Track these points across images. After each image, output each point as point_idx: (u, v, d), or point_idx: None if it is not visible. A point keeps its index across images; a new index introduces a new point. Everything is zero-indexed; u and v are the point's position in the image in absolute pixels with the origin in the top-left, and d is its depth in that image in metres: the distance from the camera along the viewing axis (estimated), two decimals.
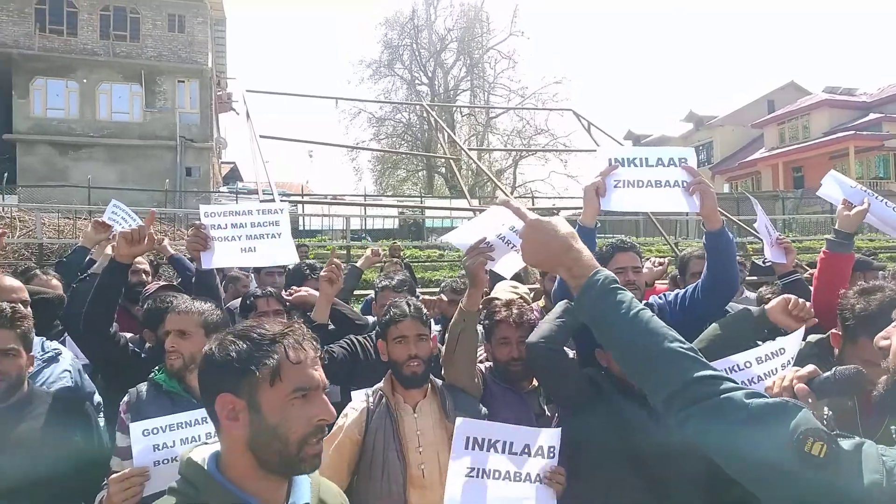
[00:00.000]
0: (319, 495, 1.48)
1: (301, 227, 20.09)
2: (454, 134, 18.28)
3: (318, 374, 1.38)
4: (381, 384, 2.63)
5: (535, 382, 2.89)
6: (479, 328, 2.99)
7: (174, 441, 2.10)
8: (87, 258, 4.07)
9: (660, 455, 2.29)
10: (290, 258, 3.29)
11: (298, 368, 1.34)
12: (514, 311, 2.88)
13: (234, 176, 36.15)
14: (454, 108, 35.00)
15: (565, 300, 2.67)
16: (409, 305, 2.64)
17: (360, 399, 2.60)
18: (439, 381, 2.67)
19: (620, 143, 15.00)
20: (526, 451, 2.29)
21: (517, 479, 2.25)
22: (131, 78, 25.96)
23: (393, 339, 2.58)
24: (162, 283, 4.01)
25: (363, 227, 21.62)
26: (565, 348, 2.68)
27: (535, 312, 3.08)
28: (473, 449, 2.24)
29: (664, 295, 3.16)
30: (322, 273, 3.09)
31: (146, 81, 25.93)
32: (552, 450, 2.30)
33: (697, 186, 2.70)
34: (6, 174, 21.31)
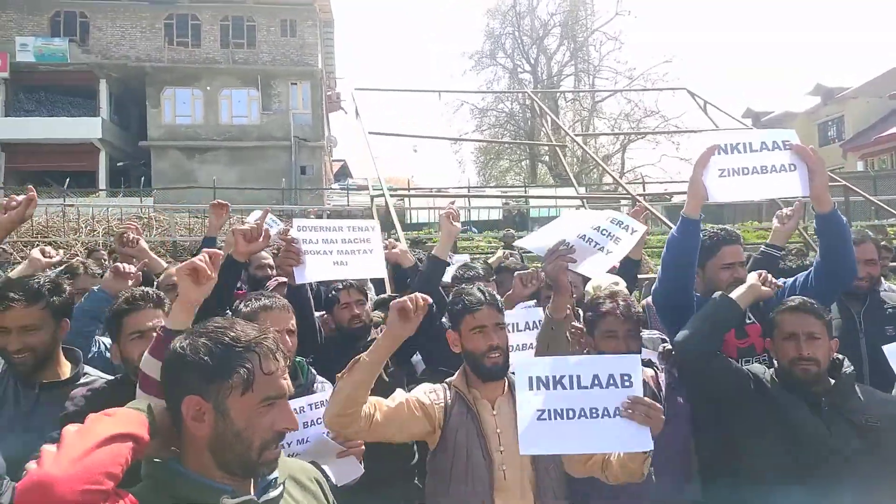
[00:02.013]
0: (288, 472, 1.50)
1: (408, 221, 20.52)
2: (558, 120, 17.95)
3: (287, 382, 1.40)
4: (453, 379, 2.44)
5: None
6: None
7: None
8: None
9: (833, 460, 2.16)
10: (380, 272, 3.43)
11: (270, 379, 1.35)
12: (621, 302, 2.69)
13: (343, 173, 37.50)
14: (558, 95, 34.34)
15: (720, 292, 2.55)
16: (482, 292, 2.44)
17: (429, 389, 2.40)
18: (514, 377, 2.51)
19: (740, 122, 14.09)
20: (597, 382, 2.03)
21: (594, 415, 2.00)
22: (249, 83, 27.54)
23: (469, 330, 2.36)
24: (281, 279, 4.13)
25: (468, 219, 21.73)
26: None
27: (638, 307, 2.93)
28: (538, 389, 2.05)
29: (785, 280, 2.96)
30: (443, 212, 3.19)
31: (262, 85, 27.41)
32: (627, 378, 2.01)
33: (808, 160, 2.51)
34: (143, 178, 23.37)
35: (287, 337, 2.55)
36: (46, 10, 26.85)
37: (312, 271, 3.12)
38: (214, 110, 27.41)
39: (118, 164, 27.18)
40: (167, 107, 27.21)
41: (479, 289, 2.48)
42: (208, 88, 27.26)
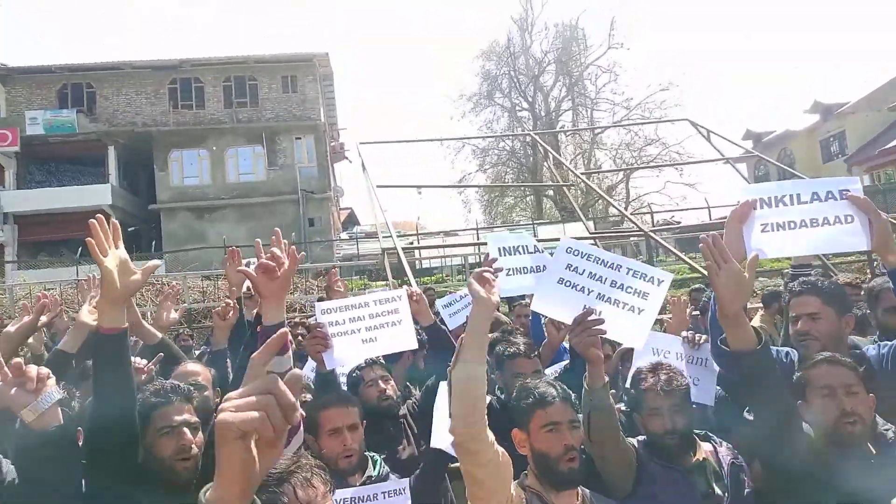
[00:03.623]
0: None
1: (417, 267, 20.48)
2: (560, 156, 17.99)
3: None
4: (524, 480, 2.20)
5: (699, 457, 2.52)
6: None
7: None
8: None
9: None
10: (411, 344, 3.19)
11: None
12: (662, 376, 2.56)
13: (351, 220, 37.69)
14: (559, 132, 34.65)
15: None
16: (553, 386, 2.25)
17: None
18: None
19: (742, 147, 14.09)
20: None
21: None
22: (254, 140, 27.95)
23: (541, 428, 2.15)
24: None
25: (479, 261, 21.65)
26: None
27: (684, 375, 2.69)
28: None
29: (880, 345, 2.72)
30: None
31: (267, 142, 27.81)
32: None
33: (868, 210, 2.38)
34: (154, 241, 23.55)
35: (348, 434, 2.54)
36: (54, 83, 27.54)
37: (342, 354, 3.00)
38: (221, 169, 27.77)
39: (129, 229, 27.42)
40: (175, 169, 27.60)
41: (548, 382, 2.33)
42: (214, 148, 27.67)
